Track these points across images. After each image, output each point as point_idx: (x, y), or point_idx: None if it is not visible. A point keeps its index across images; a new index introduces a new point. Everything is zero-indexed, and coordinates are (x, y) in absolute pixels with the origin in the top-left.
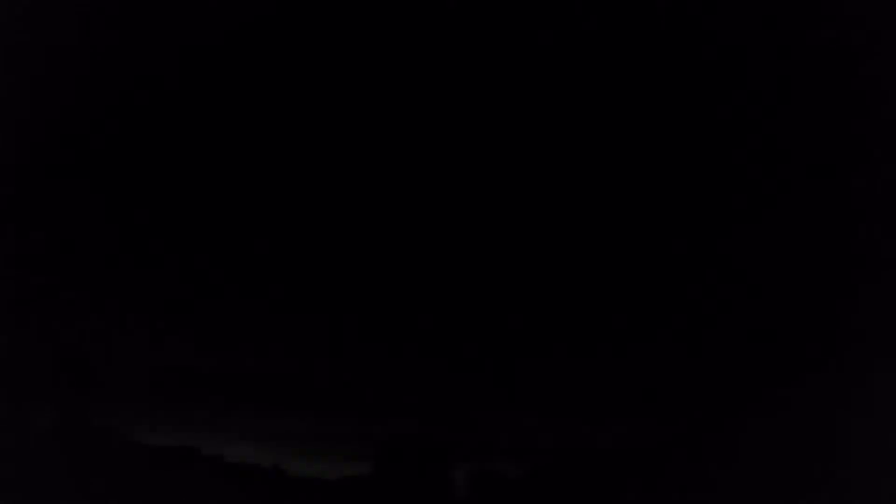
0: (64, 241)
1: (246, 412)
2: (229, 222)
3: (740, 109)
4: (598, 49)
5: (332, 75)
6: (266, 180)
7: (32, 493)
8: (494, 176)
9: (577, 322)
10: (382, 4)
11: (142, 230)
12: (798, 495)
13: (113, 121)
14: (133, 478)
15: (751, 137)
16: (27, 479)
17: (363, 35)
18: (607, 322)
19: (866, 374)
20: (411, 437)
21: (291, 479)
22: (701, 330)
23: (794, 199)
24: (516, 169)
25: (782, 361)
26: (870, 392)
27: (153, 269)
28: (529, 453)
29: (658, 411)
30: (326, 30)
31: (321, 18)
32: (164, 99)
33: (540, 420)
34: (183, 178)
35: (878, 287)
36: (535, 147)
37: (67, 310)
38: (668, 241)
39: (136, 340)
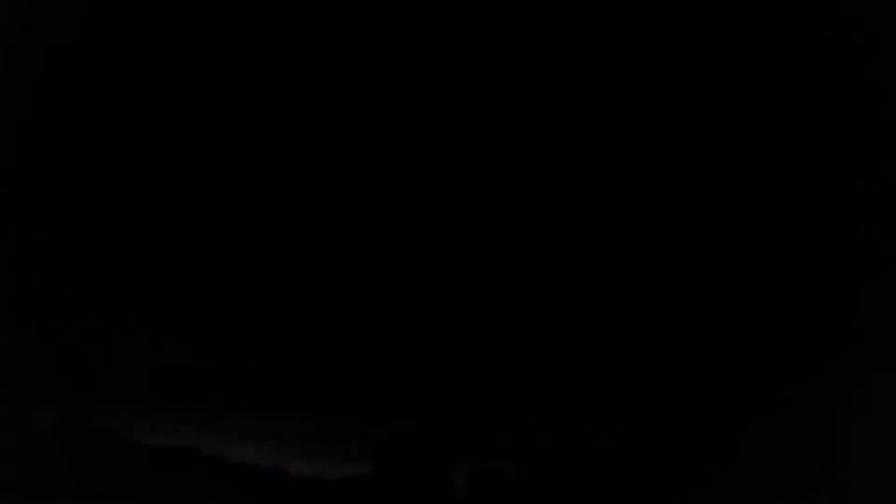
0: (64, 241)
1: (246, 412)
2: (229, 222)
3: (740, 109)
4: (598, 49)
5: (332, 75)
6: (266, 180)
7: (32, 493)
8: (494, 176)
9: (577, 322)
10: (382, 4)
11: (142, 230)
12: (798, 495)
13: (113, 121)
14: (133, 478)
15: (751, 137)
16: (27, 479)
17: (363, 35)
18: (607, 322)
19: (866, 374)
20: (411, 437)
21: (291, 479)
22: (701, 330)
23: (794, 199)
24: (516, 169)
25: (782, 361)
26: (870, 392)
27: (153, 269)
28: (529, 453)
29: (658, 411)
30: (326, 30)
31: (321, 18)
32: (164, 99)
33: (540, 420)
34: (183, 179)
35: (878, 287)
36: (534, 147)
37: (67, 310)
38: (668, 242)
39: (136, 340)
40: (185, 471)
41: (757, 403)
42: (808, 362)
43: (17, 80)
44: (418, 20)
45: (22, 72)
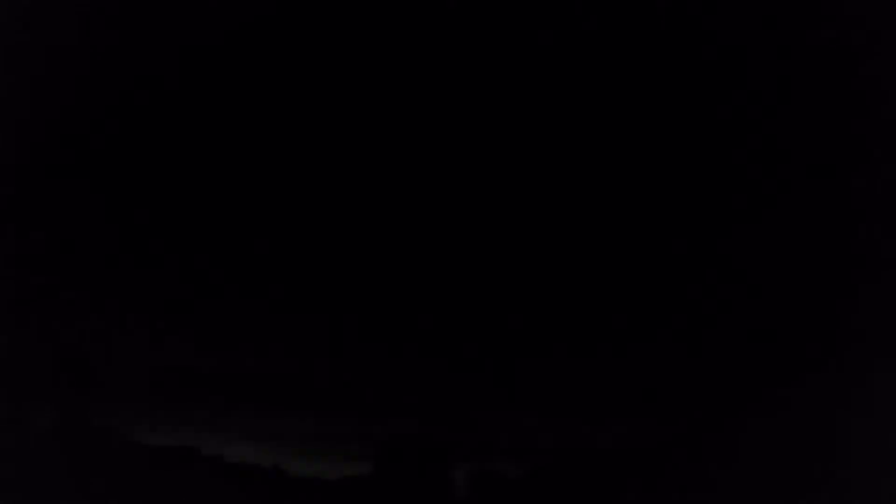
0: (64, 241)
1: (246, 412)
2: (229, 222)
3: (740, 109)
4: (598, 49)
5: (332, 76)
6: (266, 180)
7: (32, 493)
8: (494, 176)
9: (577, 322)
10: (382, 4)
11: (142, 230)
12: (798, 495)
13: (113, 121)
14: (133, 478)
15: (751, 137)
16: (27, 479)
17: (363, 35)
18: (607, 322)
19: (866, 374)
20: (411, 437)
21: (291, 479)
22: (701, 330)
23: (794, 199)
24: (516, 169)
25: (782, 361)
26: (870, 392)
27: (153, 269)
28: (529, 453)
29: (658, 411)
30: (326, 30)
31: (321, 18)
32: (164, 99)
33: (540, 420)
34: (183, 179)
35: (878, 287)
36: (534, 147)
37: (67, 310)
38: (668, 242)
39: (136, 340)
40: (185, 471)
41: (757, 403)
42: (808, 362)
43: (17, 80)
44: (418, 20)
45: (22, 72)
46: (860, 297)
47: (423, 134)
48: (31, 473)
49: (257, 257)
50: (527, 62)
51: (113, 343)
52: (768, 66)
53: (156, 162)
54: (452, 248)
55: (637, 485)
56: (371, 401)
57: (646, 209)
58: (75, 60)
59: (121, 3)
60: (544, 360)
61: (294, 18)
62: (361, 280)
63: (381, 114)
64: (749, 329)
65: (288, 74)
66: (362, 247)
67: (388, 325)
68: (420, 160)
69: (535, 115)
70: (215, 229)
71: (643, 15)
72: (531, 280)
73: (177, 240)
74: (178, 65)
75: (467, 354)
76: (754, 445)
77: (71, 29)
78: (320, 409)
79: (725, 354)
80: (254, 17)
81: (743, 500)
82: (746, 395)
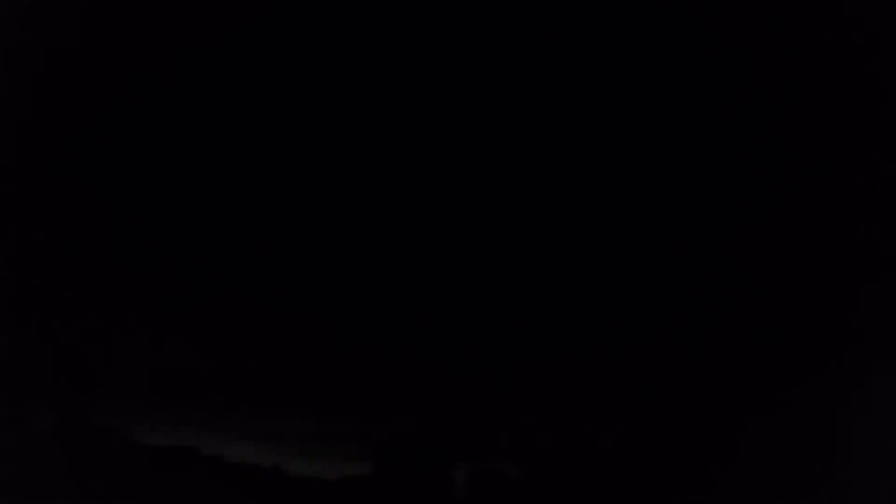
0: (64, 241)
1: (246, 412)
2: (229, 222)
3: (740, 109)
4: (598, 49)
5: (332, 76)
6: (266, 180)
7: (32, 493)
8: (494, 176)
9: (577, 322)
10: (382, 4)
11: (142, 230)
12: (798, 495)
13: (113, 121)
14: (133, 478)
15: (751, 137)
16: (27, 479)
17: (363, 35)
18: (607, 322)
19: (866, 374)
20: (411, 437)
21: (291, 479)
22: (701, 330)
23: (794, 199)
24: (516, 169)
25: (782, 361)
26: (870, 392)
27: (153, 269)
28: (529, 453)
29: (658, 411)
30: (326, 30)
31: (321, 18)
32: (164, 99)
33: (540, 420)
34: (182, 179)
35: (878, 287)
36: (534, 147)
37: (67, 310)
38: (668, 241)
39: (136, 340)
40: (185, 471)
41: (757, 403)
42: (808, 362)
43: (17, 80)
44: (418, 20)
45: (22, 72)
46: (860, 297)
47: (422, 134)
48: (31, 473)
49: (257, 257)
50: (527, 62)
51: (113, 343)
52: (768, 66)
53: (155, 162)
54: (452, 248)
55: (637, 485)
56: (371, 401)
57: (645, 209)
58: (75, 60)
59: (121, 3)
60: (544, 361)
61: (294, 18)
62: (361, 280)
63: (380, 114)
64: (749, 329)
65: (287, 75)
66: (362, 247)
67: (388, 326)
68: (420, 161)
69: (535, 115)
70: (215, 229)
71: (643, 15)
72: (531, 280)
73: (177, 240)
74: (178, 65)
75: (467, 354)
76: (754, 445)
77: (71, 29)
78: (320, 409)
79: (725, 355)
80: (254, 17)
81: (743, 500)
82: (746, 395)
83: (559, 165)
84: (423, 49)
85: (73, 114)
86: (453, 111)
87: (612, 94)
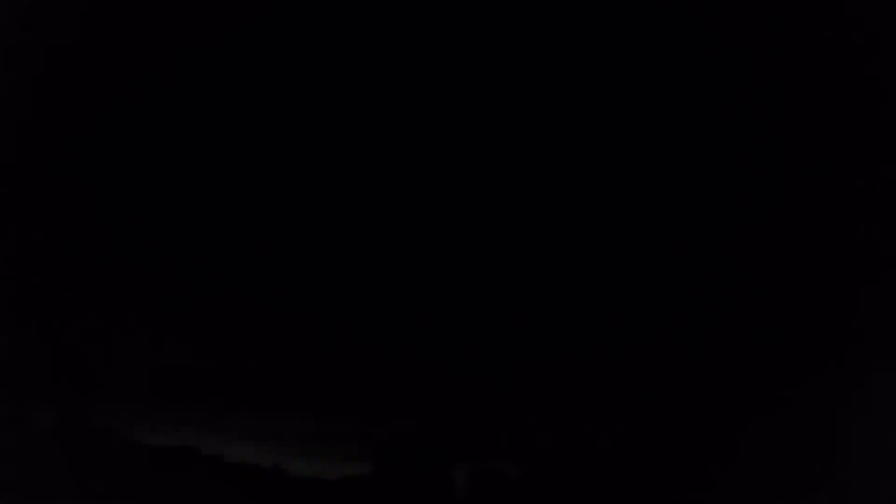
0: (64, 241)
1: (246, 412)
2: (229, 222)
3: (740, 109)
4: (598, 49)
5: (332, 76)
6: (265, 180)
7: (32, 493)
8: (494, 176)
9: (577, 322)
10: (382, 4)
11: (142, 230)
12: (798, 495)
13: (113, 121)
14: (133, 478)
15: (751, 137)
16: (27, 479)
17: (363, 35)
18: (607, 322)
19: (866, 374)
20: (411, 437)
21: (291, 479)
22: (701, 330)
23: (794, 199)
24: (516, 169)
25: (782, 361)
26: (870, 392)
27: (153, 269)
28: (529, 453)
29: (658, 411)
30: (326, 30)
31: (321, 18)
32: (164, 99)
33: (540, 420)
34: (182, 179)
35: (878, 287)
36: (534, 147)
37: (67, 310)
38: (668, 241)
39: (136, 340)
40: (185, 471)
41: (757, 403)
42: (808, 362)
43: (17, 80)
44: (418, 20)
45: (22, 72)
46: (860, 297)
47: (422, 134)
48: (31, 473)
49: (257, 257)
50: (527, 62)
51: (113, 343)
52: (768, 66)
53: (155, 162)
54: (452, 248)
55: (637, 485)
56: (371, 401)
57: (645, 209)
58: (75, 60)
59: (121, 3)
60: (544, 361)
61: (294, 19)
62: (361, 280)
63: (379, 114)
64: (749, 329)
65: (287, 75)
66: (362, 247)
67: (388, 326)
68: (419, 161)
69: (535, 115)
70: (215, 229)
71: (643, 15)
72: (531, 280)
73: (177, 240)
74: (178, 65)
75: (467, 354)
76: (754, 445)
77: (71, 29)
78: (320, 409)
79: (725, 354)
80: (254, 17)
81: (743, 500)
82: (746, 395)
83: (559, 166)
84: (423, 49)
85: (73, 114)
86: (452, 111)
87: (612, 94)
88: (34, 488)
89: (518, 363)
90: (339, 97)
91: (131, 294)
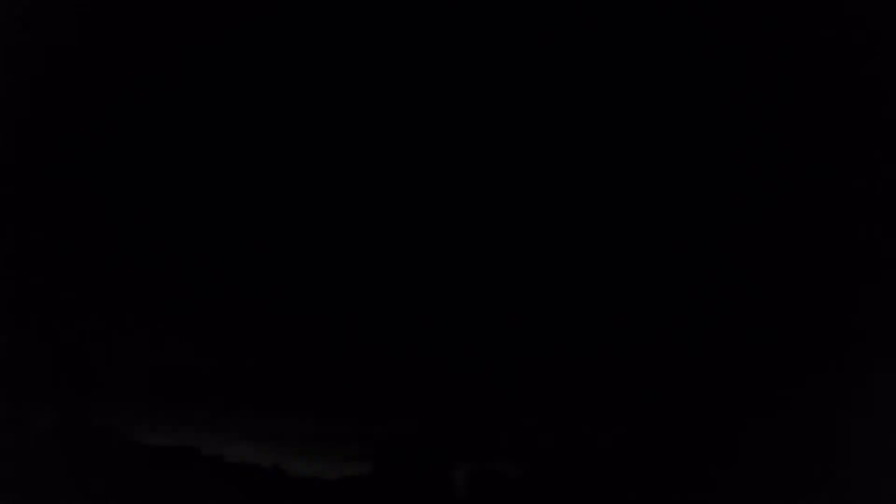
0: (64, 241)
1: (246, 412)
2: (229, 222)
3: (740, 109)
4: (598, 49)
5: (332, 76)
6: (265, 180)
7: (32, 493)
8: (494, 176)
9: (577, 322)
10: (382, 4)
11: (141, 230)
12: (798, 495)
13: (113, 121)
14: (133, 478)
15: (751, 137)
16: (27, 479)
17: (363, 35)
18: (607, 322)
19: (866, 374)
20: (411, 437)
21: (291, 479)
22: (701, 330)
23: (794, 199)
24: (515, 169)
25: (782, 361)
26: (870, 392)
27: (153, 269)
28: (529, 453)
29: (658, 411)
30: (326, 30)
31: (321, 18)
32: (164, 99)
33: (540, 420)
34: (182, 179)
35: (878, 287)
36: (534, 147)
37: (67, 310)
38: (668, 241)
39: (136, 340)
40: (185, 471)
41: (757, 403)
42: (808, 362)
43: (17, 80)
44: (418, 20)
45: (22, 72)
46: (860, 297)
47: (421, 134)
48: (31, 473)
49: (257, 257)
50: (526, 62)
51: (113, 343)
52: (768, 66)
53: (155, 162)
54: (452, 248)
55: (637, 485)
56: (371, 401)
57: (645, 209)
58: (75, 60)
59: (121, 3)
60: (544, 361)
61: (294, 19)
62: (361, 280)
63: (379, 114)
64: (749, 329)
65: (287, 75)
66: (362, 247)
67: (388, 326)
68: (419, 161)
69: (535, 114)
70: (215, 229)
71: (643, 15)
72: (531, 280)
73: (177, 240)
74: (178, 65)
75: (467, 354)
76: (754, 445)
77: (71, 29)
78: (320, 409)
79: (725, 354)
80: (254, 17)
81: (743, 500)
82: (746, 395)
83: (559, 166)
84: (423, 49)
85: (73, 114)
86: (452, 112)
87: (612, 94)
88: (34, 488)
89: (518, 363)
90: (339, 98)
91: (131, 294)
